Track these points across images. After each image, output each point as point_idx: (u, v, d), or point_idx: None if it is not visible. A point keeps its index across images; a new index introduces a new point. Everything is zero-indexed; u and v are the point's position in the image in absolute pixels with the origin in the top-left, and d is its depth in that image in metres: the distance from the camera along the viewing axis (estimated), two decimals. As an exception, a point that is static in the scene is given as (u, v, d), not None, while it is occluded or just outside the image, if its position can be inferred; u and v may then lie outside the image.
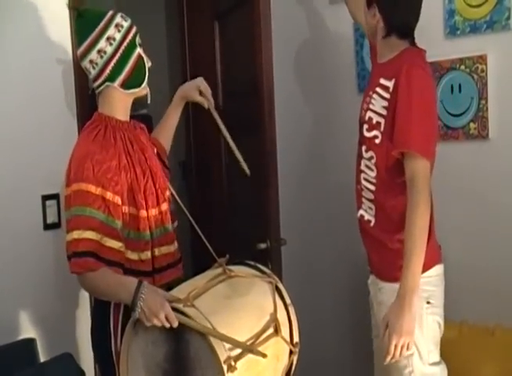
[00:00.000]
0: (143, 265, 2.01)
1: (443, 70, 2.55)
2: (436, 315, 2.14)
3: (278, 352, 1.89)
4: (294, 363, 1.99)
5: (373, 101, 2.17)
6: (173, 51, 3.98)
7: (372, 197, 2.20)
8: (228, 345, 1.71)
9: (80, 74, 2.43)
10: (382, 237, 2.18)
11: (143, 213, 2.01)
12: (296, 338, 1.97)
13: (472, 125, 2.50)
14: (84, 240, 1.87)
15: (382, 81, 2.14)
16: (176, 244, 2.14)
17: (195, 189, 3.55)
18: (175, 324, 1.73)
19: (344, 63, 2.96)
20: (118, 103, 2.04)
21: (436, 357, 2.15)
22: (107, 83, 2.00)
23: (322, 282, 3.17)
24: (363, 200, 2.24)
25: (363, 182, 2.23)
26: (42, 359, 2.39)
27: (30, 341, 2.37)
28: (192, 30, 3.48)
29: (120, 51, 1.99)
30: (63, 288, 2.50)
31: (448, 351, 2.19)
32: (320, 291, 3.18)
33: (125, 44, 2.00)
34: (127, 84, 2.02)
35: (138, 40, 2.04)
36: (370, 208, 2.22)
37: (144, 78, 2.06)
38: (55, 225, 2.55)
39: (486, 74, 2.43)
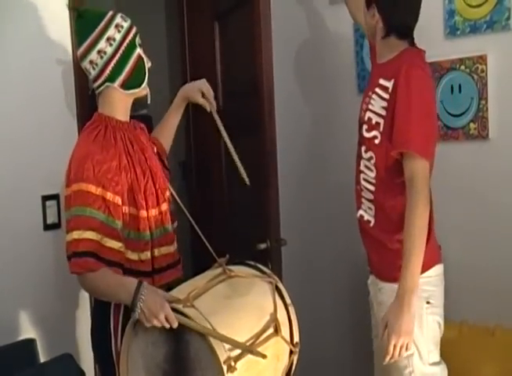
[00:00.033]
0: (143, 265, 2.01)
1: (443, 70, 2.55)
2: (436, 315, 2.14)
3: (278, 352, 1.89)
4: (294, 362, 1.99)
5: (372, 101, 2.17)
6: (173, 51, 3.97)
7: (371, 197, 2.20)
8: (228, 346, 1.71)
9: (80, 75, 2.43)
10: (382, 237, 2.18)
11: (143, 213, 2.01)
12: (296, 338, 1.97)
13: (472, 125, 2.49)
14: (84, 241, 1.87)
15: (381, 81, 2.15)
16: (176, 244, 2.14)
17: (195, 189, 3.55)
18: (175, 325, 1.73)
19: (344, 63, 2.96)
20: (118, 104, 2.04)
21: (436, 357, 2.15)
22: (107, 83, 2.00)
23: (322, 282, 3.17)
24: (363, 200, 2.24)
25: (363, 183, 2.23)
26: (42, 359, 2.39)
27: (30, 342, 2.37)
28: (192, 30, 3.47)
29: (120, 51, 1.99)
30: (63, 288, 2.50)
31: (448, 351, 2.19)
32: (320, 290, 3.17)
33: (125, 44, 2.00)
34: (127, 85, 2.02)
35: (138, 40, 2.04)
36: (370, 209, 2.22)
37: (144, 79, 2.06)
38: (55, 226, 2.55)
39: (486, 75, 2.43)
